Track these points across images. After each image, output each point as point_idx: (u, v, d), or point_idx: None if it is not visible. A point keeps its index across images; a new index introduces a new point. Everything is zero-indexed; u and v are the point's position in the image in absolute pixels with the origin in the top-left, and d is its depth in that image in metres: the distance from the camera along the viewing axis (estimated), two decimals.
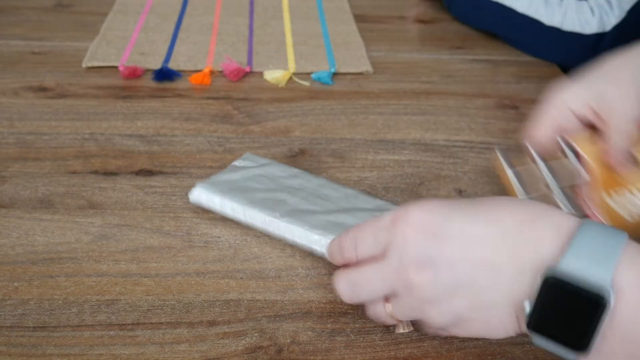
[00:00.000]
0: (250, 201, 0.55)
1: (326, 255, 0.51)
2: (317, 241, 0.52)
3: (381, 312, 0.44)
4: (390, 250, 0.41)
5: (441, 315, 0.41)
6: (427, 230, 0.40)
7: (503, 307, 0.39)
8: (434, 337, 0.46)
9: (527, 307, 0.38)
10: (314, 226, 0.52)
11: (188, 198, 0.58)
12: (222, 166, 0.62)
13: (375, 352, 0.45)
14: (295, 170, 0.60)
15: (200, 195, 0.56)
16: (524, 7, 0.86)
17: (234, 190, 0.56)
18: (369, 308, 0.45)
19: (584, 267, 0.36)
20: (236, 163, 0.60)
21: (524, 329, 0.39)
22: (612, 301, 0.35)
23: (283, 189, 0.57)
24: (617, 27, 0.82)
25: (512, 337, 0.46)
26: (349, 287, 0.44)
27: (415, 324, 0.45)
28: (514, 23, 0.87)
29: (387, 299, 0.43)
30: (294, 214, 0.54)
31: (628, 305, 0.35)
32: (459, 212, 0.41)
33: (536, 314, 0.37)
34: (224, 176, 0.58)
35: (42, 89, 0.74)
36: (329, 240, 0.51)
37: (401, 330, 0.45)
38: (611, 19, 0.83)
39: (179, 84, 0.77)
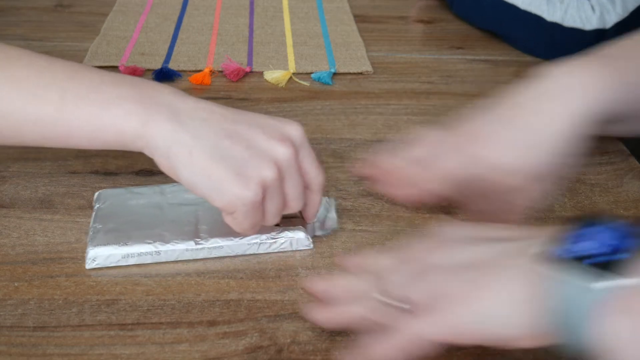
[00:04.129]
0: (159, 237, 0.51)
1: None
2: (250, 248, 0.52)
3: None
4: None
5: (443, 279, 0.39)
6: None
7: (519, 267, 0.36)
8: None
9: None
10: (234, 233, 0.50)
11: None
12: None
13: None
14: (155, 188, 0.56)
15: (97, 258, 0.50)
16: (526, 3, 0.86)
17: (131, 231, 0.51)
18: None
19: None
20: (97, 206, 0.55)
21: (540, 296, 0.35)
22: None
23: (170, 208, 0.54)
24: (619, 25, 0.82)
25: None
26: None
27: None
28: (515, 19, 0.87)
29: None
30: (211, 230, 0.52)
31: None
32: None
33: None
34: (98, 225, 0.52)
35: None
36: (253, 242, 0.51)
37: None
38: (612, 17, 0.83)
39: (179, 84, 0.77)
